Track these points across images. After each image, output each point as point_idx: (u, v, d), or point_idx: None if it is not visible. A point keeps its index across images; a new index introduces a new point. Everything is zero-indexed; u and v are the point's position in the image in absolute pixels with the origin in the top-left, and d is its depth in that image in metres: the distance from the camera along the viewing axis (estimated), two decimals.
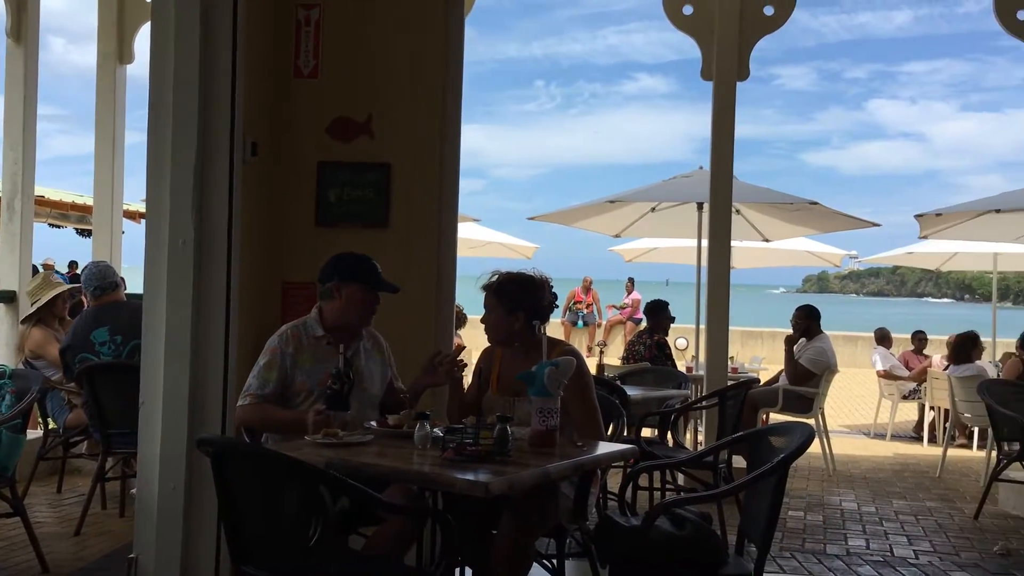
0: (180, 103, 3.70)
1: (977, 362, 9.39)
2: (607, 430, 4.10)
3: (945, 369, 9.81)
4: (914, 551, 5.61)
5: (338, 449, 3.19)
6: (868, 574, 5.10)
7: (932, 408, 10.40)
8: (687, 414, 7.42)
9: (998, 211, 8.98)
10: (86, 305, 6.05)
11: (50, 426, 6.13)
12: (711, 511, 3.96)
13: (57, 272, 14.31)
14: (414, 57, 4.74)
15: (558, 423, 3.31)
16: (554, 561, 3.56)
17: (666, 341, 8.65)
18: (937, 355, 11.78)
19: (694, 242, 8.99)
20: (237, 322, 3.77)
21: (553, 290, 3.91)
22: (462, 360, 3.90)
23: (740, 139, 7.04)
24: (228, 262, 3.73)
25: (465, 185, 4.89)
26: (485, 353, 4.03)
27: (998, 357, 11.53)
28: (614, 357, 11.71)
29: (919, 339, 11.99)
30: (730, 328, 7.27)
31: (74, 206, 13.59)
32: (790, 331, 8.54)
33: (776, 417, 8.19)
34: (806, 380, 8.15)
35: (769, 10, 6.92)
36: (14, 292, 7.34)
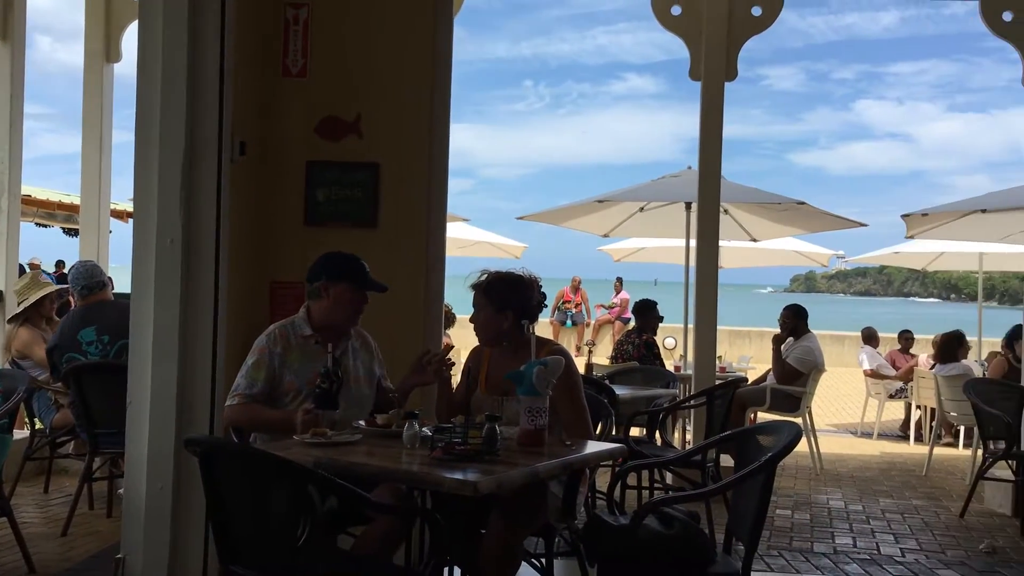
0: (168, 102, 3.69)
1: (963, 361, 9.44)
2: (595, 429, 4.11)
3: (931, 368, 9.86)
4: (900, 549, 5.64)
5: (326, 448, 3.19)
6: (855, 572, 5.12)
7: (918, 407, 10.46)
8: (675, 413, 7.45)
9: (984, 211, 9.03)
10: (73, 305, 6.03)
11: (37, 426, 6.10)
12: (699, 510, 3.98)
13: (44, 272, 14.23)
14: (403, 57, 4.73)
15: (547, 422, 3.32)
16: (543, 560, 3.57)
17: (654, 340, 8.67)
18: (923, 354, 11.83)
19: (682, 242, 9.01)
20: (225, 322, 3.77)
21: (542, 289, 3.91)
22: (450, 359, 3.91)
23: (728, 139, 7.07)
24: (216, 261, 3.72)
25: (454, 184, 4.89)
26: (474, 352, 4.03)
27: (984, 356, 11.60)
28: (602, 356, 11.72)
29: (906, 338, 12.05)
30: (718, 327, 7.31)
31: (61, 205, 13.54)
32: (778, 330, 8.57)
33: (764, 416, 8.22)
34: (794, 379, 8.18)
35: (757, 10, 6.94)
36: (0, 292, 7.30)
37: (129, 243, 3.76)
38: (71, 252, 13.99)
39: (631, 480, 5.47)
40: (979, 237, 10.62)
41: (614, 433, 5.35)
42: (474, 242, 13.51)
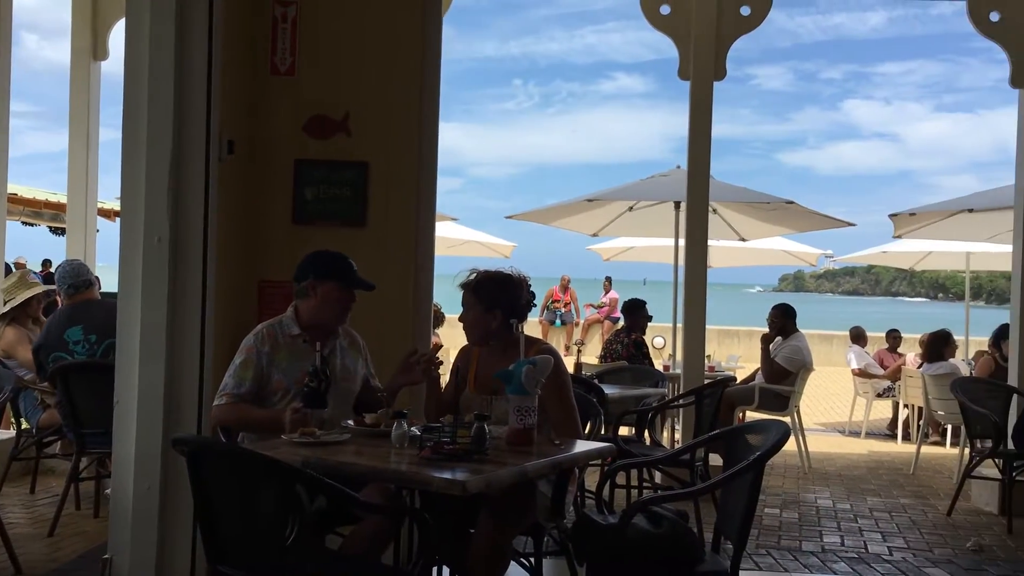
0: (155, 100, 3.67)
1: (950, 360, 9.49)
2: (584, 428, 4.11)
3: (919, 367, 9.91)
4: (888, 547, 5.66)
5: (315, 448, 3.18)
6: (843, 571, 5.14)
7: (906, 406, 10.49)
8: (664, 412, 7.46)
9: (971, 211, 9.08)
10: (60, 304, 6.00)
11: (23, 426, 6.07)
12: (688, 509, 3.98)
13: (31, 272, 14.14)
14: (391, 55, 4.73)
15: (535, 421, 3.32)
16: (532, 559, 3.57)
17: (643, 340, 8.68)
18: (911, 353, 11.89)
19: (671, 241, 9.03)
20: (213, 321, 3.76)
21: (531, 289, 3.92)
22: (439, 359, 3.90)
23: (717, 138, 7.08)
24: (204, 260, 3.71)
25: (443, 183, 4.88)
26: (463, 351, 4.03)
27: (971, 355, 11.65)
28: (592, 356, 11.74)
29: (893, 337, 12.10)
30: (707, 327, 7.31)
31: (48, 204, 13.45)
32: (766, 330, 8.58)
33: (752, 415, 8.24)
34: (782, 378, 8.20)
35: (746, 10, 6.96)
36: None
37: (116, 242, 3.75)
38: (58, 251, 13.92)
39: (620, 479, 5.48)
40: (966, 236, 10.68)
41: (603, 432, 5.34)
42: (463, 241, 13.51)
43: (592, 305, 20.58)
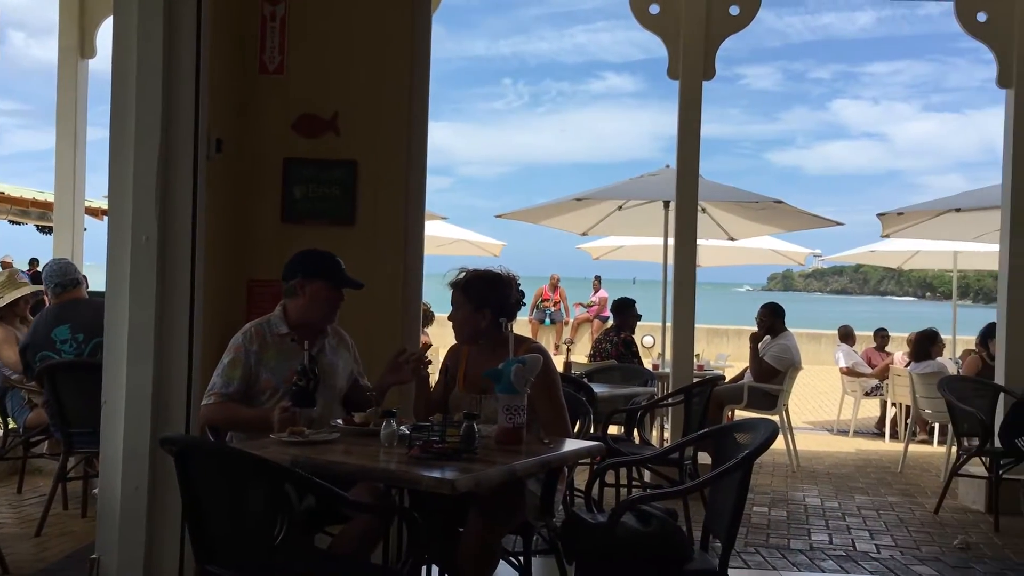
0: (143, 98, 3.66)
1: (938, 359, 9.53)
2: (574, 427, 4.11)
3: (906, 366, 9.95)
4: (876, 545, 5.68)
5: (304, 447, 3.17)
6: (831, 569, 5.16)
7: (894, 404, 10.54)
8: (653, 411, 7.46)
9: (958, 210, 9.12)
10: (47, 303, 5.97)
11: (10, 425, 6.04)
12: (677, 507, 4.00)
13: (21, 272, 14.07)
14: (381, 54, 4.72)
15: (525, 420, 3.32)
16: (521, 558, 3.57)
17: (633, 339, 8.69)
18: (899, 352, 11.93)
19: (660, 240, 9.04)
20: (201, 320, 3.75)
21: (520, 288, 3.92)
22: (427, 358, 3.90)
23: (706, 138, 7.10)
24: (192, 259, 3.70)
25: (432, 182, 4.88)
26: (452, 350, 4.03)
27: (958, 354, 11.70)
28: (581, 355, 11.74)
29: (881, 336, 12.14)
30: (696, 326, 7.33)
31: (35, 202, 13.38)
32: (755, 329, 8.61)
33: (741, 414, 8.25)
34: (771, 377, 8.23)
35: (735, 10, 6.98)
36: None
37: (104, 241, 3.73)
38: (45, 250, 13.83)
39: (609, 478, 5.48)
40: (953, 236, 10.73)
41: (592, 431, 5.36)
42: (452, 240, 13.50)
43: (581, 304, 20.60)
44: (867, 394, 11.05)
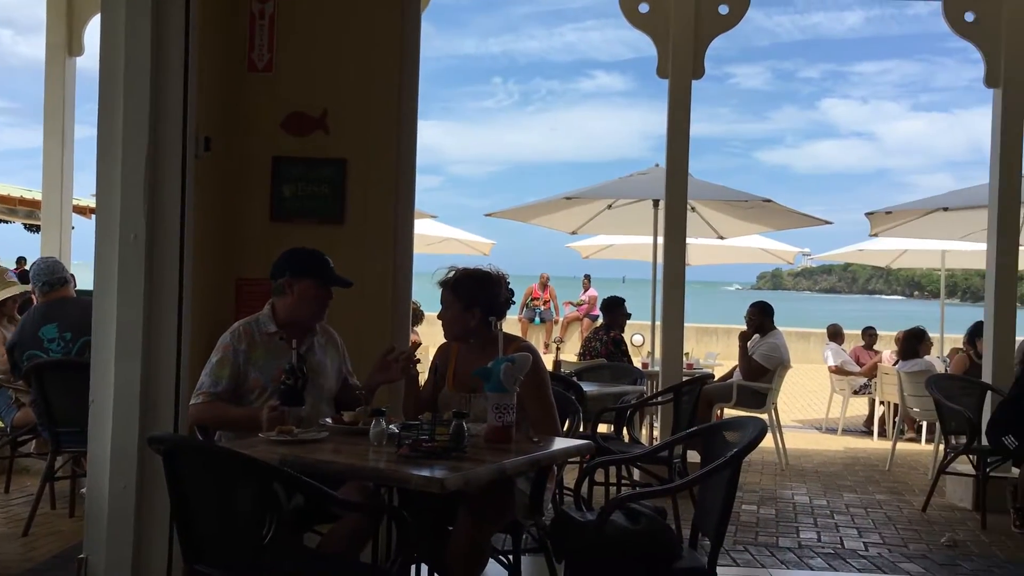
0: (131, 96, 3.64)
1: (926, 357, 9.58)
2: (563, 426, 4.12)
3: (895, 364, 9.98)
4: (864, 543, 5.70)
5: (292, 446, 3.16)
6: (819, 566, 5.18)
7: (882, 403, 10.58)
8: (642, 410, 7.48)
9: (946, 209, 9.16)
10: (35, 302, 5.94)
11: None
12: (666, 506, 4.00)
13: (9, 271, 14.00)
14: (370, 52, 4.71)
15: (514, 419, 3.32)
16: (510, 556, 3.58)
17: (622, 337, 8.70)
18: (887, 351, 11.98)
19: (650, 239, 9.06)
20: (190, 319, 3.73)
21: (510, 286, 3.92)
22: (416, 357, 3.90)
23: (695, 137, 7.12)
24: (180, 258, 3.68)
25: (422, 181, 4.88)
26: (441, 349, 4.03)
27: (946, 352, 11.76)
28: (571, 353, 11.75)
29: (869, 335, 12.19)
30: (685, 324, 7.34)
31: (23, 201, 13.31)
32: (744, 327, 8.63)
33: (730, 412, 8.27)
34: (760, 376, 8.25)
35: (724, 9, 6.99)
36: None
37: (92, 239, 3.71)
38: (32, 248, 13.77)
39: (598, 476, 5.49)
40: (941, 235, 10.77)
41: (582, 430, 5.37)
42: (442, 239, 13.49)
43: (571, 303, 20.60)
44: (855, 392, 11.09)
